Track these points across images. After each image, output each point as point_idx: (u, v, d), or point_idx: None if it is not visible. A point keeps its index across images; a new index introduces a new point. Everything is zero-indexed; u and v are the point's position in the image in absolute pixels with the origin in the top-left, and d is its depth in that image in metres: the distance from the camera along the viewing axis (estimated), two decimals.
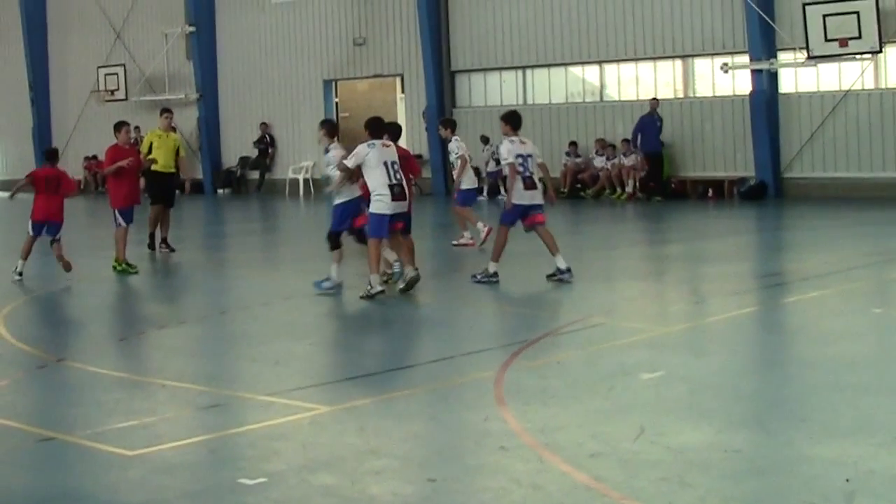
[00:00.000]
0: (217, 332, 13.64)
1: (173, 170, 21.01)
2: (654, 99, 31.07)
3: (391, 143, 15.03)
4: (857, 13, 28.10)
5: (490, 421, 8.52)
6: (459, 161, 19.88)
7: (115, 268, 17.77)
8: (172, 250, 20.56)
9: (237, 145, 40.47)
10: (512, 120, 15.89)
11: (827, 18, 28.43)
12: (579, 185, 32.70)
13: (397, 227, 15.05)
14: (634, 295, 15.31)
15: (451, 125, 20.80)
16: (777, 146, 30.15)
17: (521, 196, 15.38)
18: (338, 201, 15.10)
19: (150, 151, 20.59)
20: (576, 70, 34.53)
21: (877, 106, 28.05)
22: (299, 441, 8.22)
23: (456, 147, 20.04)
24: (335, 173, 14.98)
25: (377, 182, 14.57)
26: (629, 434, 8.04)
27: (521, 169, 15.36)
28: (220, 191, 39.28)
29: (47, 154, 18.09)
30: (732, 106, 30.58)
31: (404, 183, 14.79)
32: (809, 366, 10.62)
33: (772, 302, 14.50)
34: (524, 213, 15.49)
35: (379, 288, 14.57)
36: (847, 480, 6.96)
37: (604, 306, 14.39)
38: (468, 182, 20.01)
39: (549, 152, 33.65)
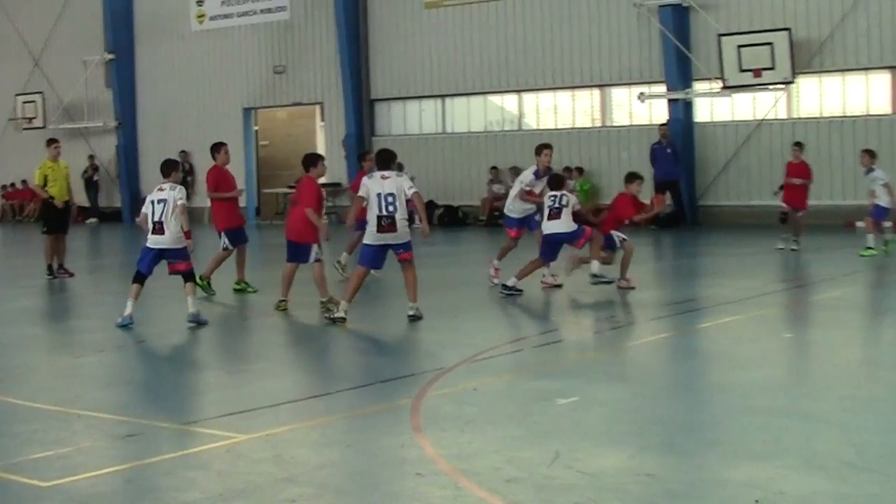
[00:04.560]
0: (134, 361, 13.55)
1: (66, 198, 21.28)
2: (663, 125, 30.82)
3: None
4: (771, 44, 28.61)
5: (407, 448, 8.56)
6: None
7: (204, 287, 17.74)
8: (71, 274, 20.84)
9: (156, 173, 40.02)
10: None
11: (741, 49, 28.91)
12: (497, 214, 32.84)
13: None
14: (551, 322, 15.42)
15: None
16: (693, 174, 30.55)
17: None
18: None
19: (45, 183, 21.19)
20: (495, 99, 34.79)
21: (790, 135, 28.48)
22: (215, 470, 8.20)
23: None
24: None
25: (370, 213, 14.72)
26: (545, 459, 8.11)
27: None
28: (138, 219, 38.92)
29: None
30: (649, 135, 30.90)
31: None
32: (722, 390, 10.78)
33: (687, 327, 14.67)
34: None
35: (341, 314, 14.68)
36: (757, 502, 7.07)
37: (521, 333, 14.48)
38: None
39: (468, 180, 33.91)
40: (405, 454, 8.40)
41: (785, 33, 28.52)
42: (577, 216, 17.52)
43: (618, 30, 31.54)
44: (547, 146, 18.29)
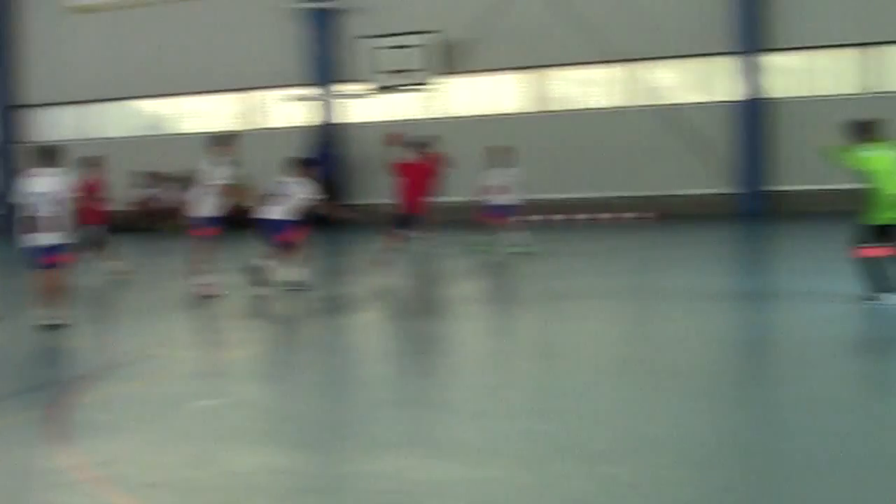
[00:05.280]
0: None
1: None
2: (322, 126, 30.85)
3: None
4: (413, 47, 29.36)
5: (46, 458, 8.45)
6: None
7: None
8: None
9: None
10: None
11: (385, 52, 29.54)
12: (150, 217, 32.54)
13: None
14: (191, 325, 15.42)
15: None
16: (342, 174, 30.99)
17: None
18: None
19: None
20: (141, 104, 34.45)
21: (442, 133, 29.27)
22: None
23: None
24: None
25: (27, 214, 14.23)
26: (186, 461, 8.20)
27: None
28: None
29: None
30: (297, 136, 31.14)
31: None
32: (358, 385, 11.09)
33: (330, 325, 14.93)
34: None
35: (54, 321, 14.31)
36: (394, 491, 7.37)
37: (160, 338, 14.37)
38: None
39: (117, 186, 33.32)
40: (44, 464, 8.30)
41: (429, 36, 29.34)
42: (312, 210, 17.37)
43: (264, 34, 31.72)
44: (234, 135, 17.96)
